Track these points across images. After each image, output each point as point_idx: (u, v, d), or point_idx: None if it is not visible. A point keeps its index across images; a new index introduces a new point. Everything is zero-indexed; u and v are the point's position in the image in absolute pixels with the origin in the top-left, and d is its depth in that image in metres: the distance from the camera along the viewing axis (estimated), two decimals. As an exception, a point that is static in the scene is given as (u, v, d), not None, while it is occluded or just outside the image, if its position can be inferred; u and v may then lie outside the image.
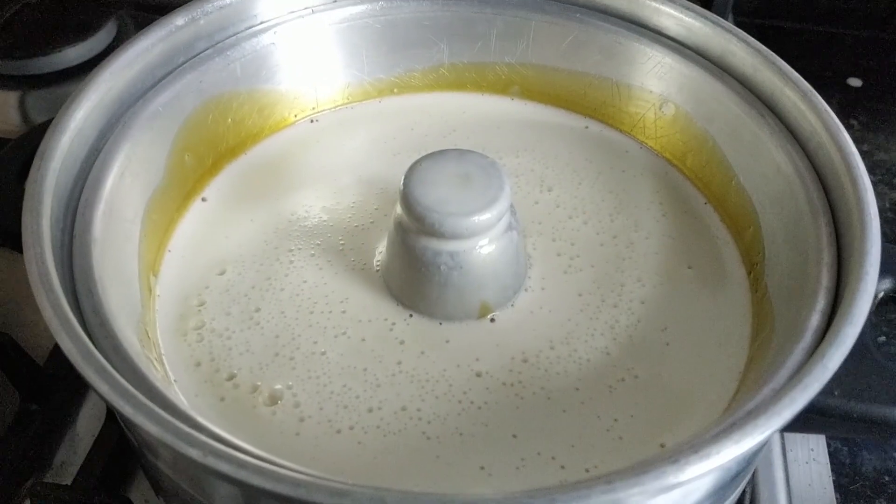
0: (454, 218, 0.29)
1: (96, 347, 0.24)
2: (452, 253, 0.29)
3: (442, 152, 0.31)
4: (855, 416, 0.27)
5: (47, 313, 0.23)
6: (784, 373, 0.24)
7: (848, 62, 0.75)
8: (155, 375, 0.24)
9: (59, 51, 0.66)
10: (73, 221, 0.28)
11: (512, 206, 0.31)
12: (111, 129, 0.31)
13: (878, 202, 0.63)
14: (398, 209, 0.30)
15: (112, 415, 0.44)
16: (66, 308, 0.23)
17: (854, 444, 0.47)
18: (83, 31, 0.67)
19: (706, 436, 0.23)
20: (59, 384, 0.46)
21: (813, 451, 0.46)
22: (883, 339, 0.40)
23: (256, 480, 0.20)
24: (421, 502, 0.21)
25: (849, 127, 0.68)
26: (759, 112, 0.33)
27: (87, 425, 0.46)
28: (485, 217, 0.29)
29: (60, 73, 0.66)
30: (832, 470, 0.45)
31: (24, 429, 0.44)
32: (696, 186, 0.36)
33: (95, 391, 0.22)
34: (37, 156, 0.27)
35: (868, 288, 0.25)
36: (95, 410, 0.46)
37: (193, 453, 0.20)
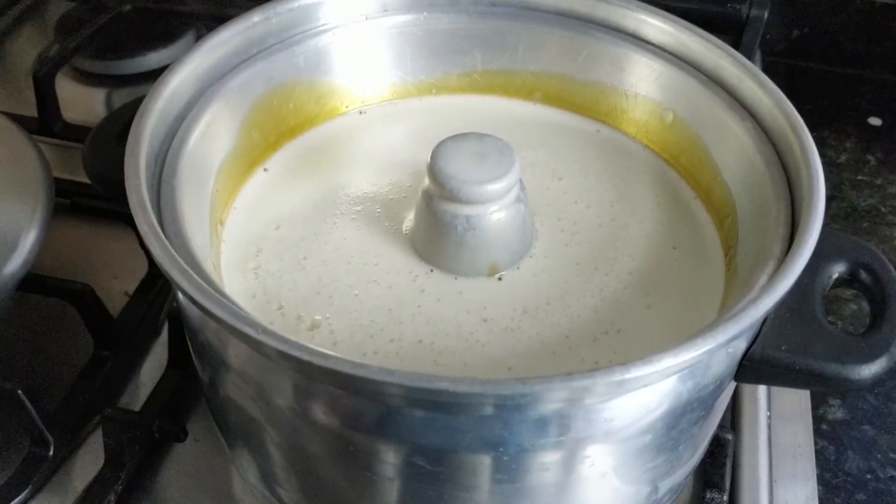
0: (470, 185, 0.34)
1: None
2: (468, 216, 0.35)
3: (465, 134, 0.37)
4: (797, 368, 0.32)
5: (143, 228, 0.29)
6: (726, 315, 0.29)
7: (869, 102, 0.80)
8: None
9: (144, 55, 0.74)
10: (162, 169, 0.35)
11: (521, 183, 0.37)
12: (195, 102, 0.38)
13: (887, 231, 0.68)
14: (426, 180, 0.36)
15: (174, 361, 0.50)
16: (154, 222, 0.29)
17: (840, 445, 0.52)
18: (165, 40, 0.75)
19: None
20: (128, 335, 0.53)
21: (800, 448, 0.51)
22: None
23: (307, 356, 0.26)
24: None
25: (865, 161, 0.73)
26: (741, 117, 0.38)
27: (149, 373, 0.53)
28: (496, 187, 0.35)
29: (144, 74, 0.74)
30: (817, 465, 0.50)
31: (96, 371, 0.51)
32: (688, 182, 0.41)
33: (180, 290, 0.28)
34: (137, 114, 0.34)
35: (804, 254, 0.30)
36: (157, 361, 0.53)
37: (250, 331, 0.26)
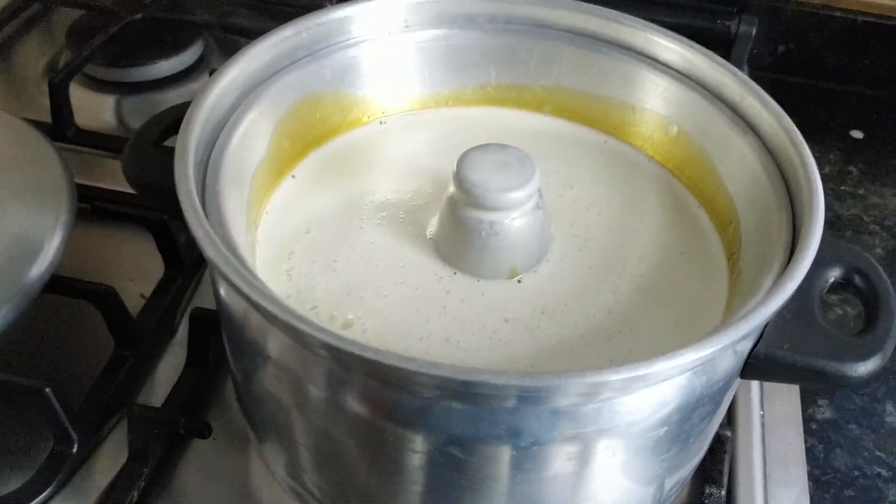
0: (494, 193, 0.37)
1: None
2: (491, 222, 0.37)
3: (488, 145, 0.39)
4: (798, 366, 0.34)
5: (198, 232, 0.31)
6: (738, 315, 0.32)
7: (852, 116, 0.83)
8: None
9: (154, 63, 0.76)
10: (205, 175, 0.37)
11: (540, 191, 0.39)
12: (232, 112, 0.40)
13: (869, 240, 0.72)
14: (451, 187, 0.38)
15: (192, 361, 0.52)
16: (207, 226, 0.31)
17: (829, 443, 0.55)
18: (175, 48, 0.77)
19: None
20: (147, 335, 0.54)
21: (791, 446, 0.54)
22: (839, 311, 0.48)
23: (358, 351, 0.28)
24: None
25: (848, 173, 0.76)
26: (743, 130, 0.41)
27: (165, 373, 0.54)
28: (518, 194, 0.37)
29: (153, 82, 0.76)
30: (807, 462, 0.53)
31: (117, 370, 0.52)
32: (692, 192, 0.44)
33: (237, 290, 0.30)
34: (182, 123, 0.36)
35: (807, 260, 0.33)
36: (173, 361, 0.55)
37: (305, 328, 0.28)
